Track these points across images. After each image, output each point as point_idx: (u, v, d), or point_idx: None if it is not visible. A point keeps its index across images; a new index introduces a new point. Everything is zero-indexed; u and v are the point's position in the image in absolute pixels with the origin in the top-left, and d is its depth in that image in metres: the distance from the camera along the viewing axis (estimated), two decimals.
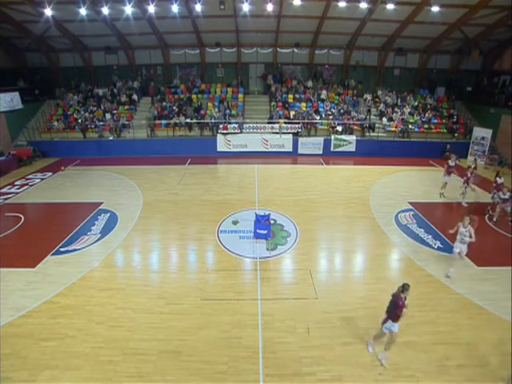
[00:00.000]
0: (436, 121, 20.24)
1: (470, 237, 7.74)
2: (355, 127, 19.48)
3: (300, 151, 18.99)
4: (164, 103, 20.54)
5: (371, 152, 18.71)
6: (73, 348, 6.04)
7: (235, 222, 10.90)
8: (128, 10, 16.04)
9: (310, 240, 9.89)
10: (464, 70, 22.52)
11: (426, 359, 5.83)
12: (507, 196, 10.82)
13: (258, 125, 19.23)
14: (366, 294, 7.55)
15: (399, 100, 21.35)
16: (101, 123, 19.20)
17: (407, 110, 20.39)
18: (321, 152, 18.97)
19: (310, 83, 22.16)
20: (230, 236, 10.06)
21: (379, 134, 19.35)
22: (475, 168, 12.90)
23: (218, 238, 9.95)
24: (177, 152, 18.78)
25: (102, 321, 6.68)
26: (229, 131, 18.92)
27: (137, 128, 19.45)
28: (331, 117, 19.81)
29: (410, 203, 12.52)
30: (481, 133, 18.28)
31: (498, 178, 11.46)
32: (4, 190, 13.84)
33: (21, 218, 11.33)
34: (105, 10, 15.91)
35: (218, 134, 18.91)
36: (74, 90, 22.00)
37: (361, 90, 22.55)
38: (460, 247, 8.00)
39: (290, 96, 21.36)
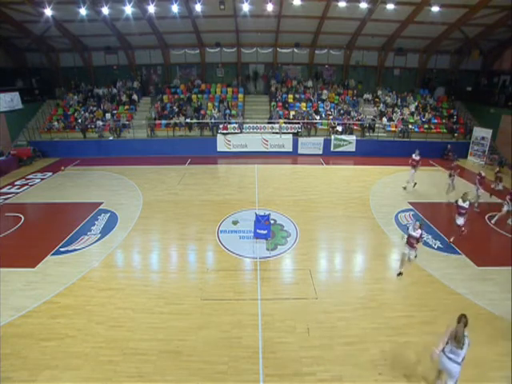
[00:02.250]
0: (436, 121, 20.23)
1: None
2: (355, 127, 19.49)
3: (300, 151, 18.98)
4: (160, 102, 20.53)
5: (371, 152, 18.71)
6: (73, 348, 6.04)
7: (235, 222, 10.90)
8: (128, 9, 16.04)
9: (310, 240, 9.89)
10: (464, 69, 22.52)
11: (426, 359, 5.82)
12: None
13: (258, 125, 19.23)
14: (365, 293, 7.55)
15: (399, 100, 21.35)
16: (101, 123, 19.20)
17: (408, 111, 20.40)
18: (321, 152, 18.96)
19: (310, 83, 22.16)
20: (229, 236, 10.06)
21: (379, 134, 19.35)
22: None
23: (217, 238, 9.95)
24: (177, 152, 18.78)
25: (101, 321, 6.68)
26: (229, 131, 18.92)
27: (137, 128, 19.45)
28: (331, 117, 19.82)
29: (410, 203, 12.52)
30: (481, 133, 18.28)
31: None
32: (4, 190, 13.84)
33: (21, 217, 11.33)
34: (105, 10, 15.91)
35: (218, 134, 18.91)
36: (74, 90, 22.00)
37: (361, 89, 22.56)
38: None
39: (290, 96, 21.35)
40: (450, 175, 12.89)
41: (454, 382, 4.65)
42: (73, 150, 18.65)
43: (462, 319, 4.71)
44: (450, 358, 4.64)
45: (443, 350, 4.76)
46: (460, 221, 9.46)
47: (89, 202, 12.51)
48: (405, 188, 13.79)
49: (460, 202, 9.24)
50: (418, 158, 13.44)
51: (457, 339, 4.60)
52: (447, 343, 4.76)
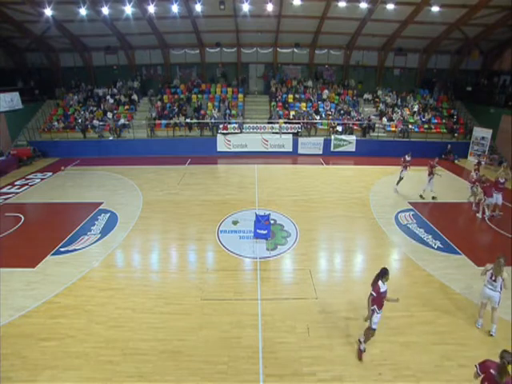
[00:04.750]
0: (436, 121, 20.24)
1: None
2: (355, 127, 19.48)
3: (300, 151, 18.99)
4: (159, 102, 20.56)
5: (371, 152, 18.70)
6: (73, 348, 6.03)
7: (235, 222, 10.90)
8: (128, 10, 16.05)
9: (310, 240, 9.89)
10: (464, 69, 22.54)
11: (426, 359, 5.83)
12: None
13: (258, 125, 19.24)
14: (365, 294, 7.51)
15: (399, 100, 21.35)
16: (101, 123, 19.20)
17: (408, 111, 20.39)
18: (321, 152, 18.96)
19: (310, 83, 22.16)
20: (229, 236, 10.06)
21: (379, 134, 19.35)
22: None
23: (217, 237, 9.95)
24: (177, 152, 18.78)
25: (102, 321, 6.68)
26: (229, 131, 18.93)
27: (137, 128, 19.45)
28: (331, 117, 19.82)
29: (410, 203, 12.52)
30: (481, 133, 18.28)
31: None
32: (4, 190, 13.83)
33: (21, 218, 11.33)
34: (105, 10, 15.91)
35: (218, 134, 18.92)
36: (74, 89, 22.01)
37: (361, 89, 22.57)
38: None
39: (290, 96, 21.35)
40: (475, 182, 12.35)
41: (497, 304, 6.19)
42: (73, 150, 18.65)
43: (501, 259, 6.01)
44: (490, 288, 6.18)
45: (484, 284, 6.25)
46: (374, 320, 5.64)
47: (89, 202, 12.51)
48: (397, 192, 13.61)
49: (381, 285, 5.54)
50: (410, 158, 13.58)
51: (493, 272, 6.09)
52: (485, 275, 6.27)
